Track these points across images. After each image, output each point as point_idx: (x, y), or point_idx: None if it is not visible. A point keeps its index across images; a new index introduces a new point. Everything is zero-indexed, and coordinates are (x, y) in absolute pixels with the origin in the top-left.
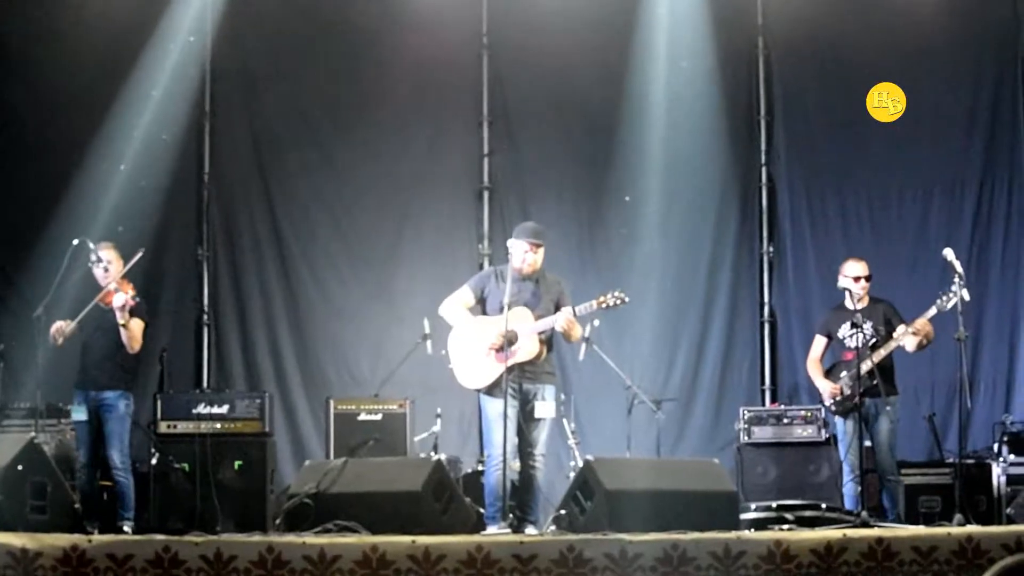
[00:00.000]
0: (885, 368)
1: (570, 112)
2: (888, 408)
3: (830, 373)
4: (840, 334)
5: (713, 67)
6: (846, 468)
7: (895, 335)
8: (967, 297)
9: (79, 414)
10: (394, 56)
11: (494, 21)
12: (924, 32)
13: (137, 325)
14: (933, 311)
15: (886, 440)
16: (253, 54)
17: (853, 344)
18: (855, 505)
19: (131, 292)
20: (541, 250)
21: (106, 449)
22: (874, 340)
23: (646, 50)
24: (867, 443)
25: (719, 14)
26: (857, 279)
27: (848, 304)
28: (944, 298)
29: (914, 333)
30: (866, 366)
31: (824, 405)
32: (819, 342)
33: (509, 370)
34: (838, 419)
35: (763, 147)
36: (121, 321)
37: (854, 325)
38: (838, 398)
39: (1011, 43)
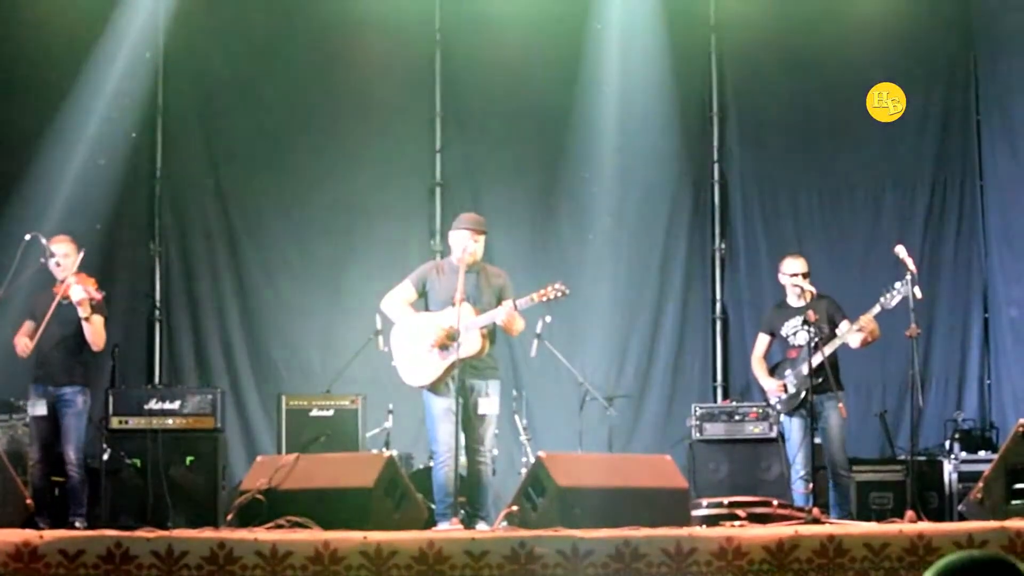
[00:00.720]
0: (831, 364)
1: (523, 108)
2: (837, 403)
3: (774, 371)
4: (783, 332)
5: (666, 65)
6: (795, 467)
7: (839, 332)
8: (919, 294)
9: (38, 408)
10: (347, 52)
11: (447, 17)
12: (875, 31)
13: (99, 321)
14: (877, 308)
15: (837, 435)
16: (205, 50)
17: (797, 342)
18: (805, 503)
19: (93, 287)
20: (482, 239)
21: (62, 445)
22: (817, 338)
23: (599, 46)
24: (817, 440)
25: (672, 12)
26: (795, 275)
27: (791, 301)
28: (888, 295)
29: (859, 330)
30: (808, 366)
31: (770, 404)
32: (762, 340)
33: (452, 366)
34: (784, 418)
35: (715, 144)
36: (83, 315)
37: (805, 322)
38: (783, 396)
39: (964, 43)
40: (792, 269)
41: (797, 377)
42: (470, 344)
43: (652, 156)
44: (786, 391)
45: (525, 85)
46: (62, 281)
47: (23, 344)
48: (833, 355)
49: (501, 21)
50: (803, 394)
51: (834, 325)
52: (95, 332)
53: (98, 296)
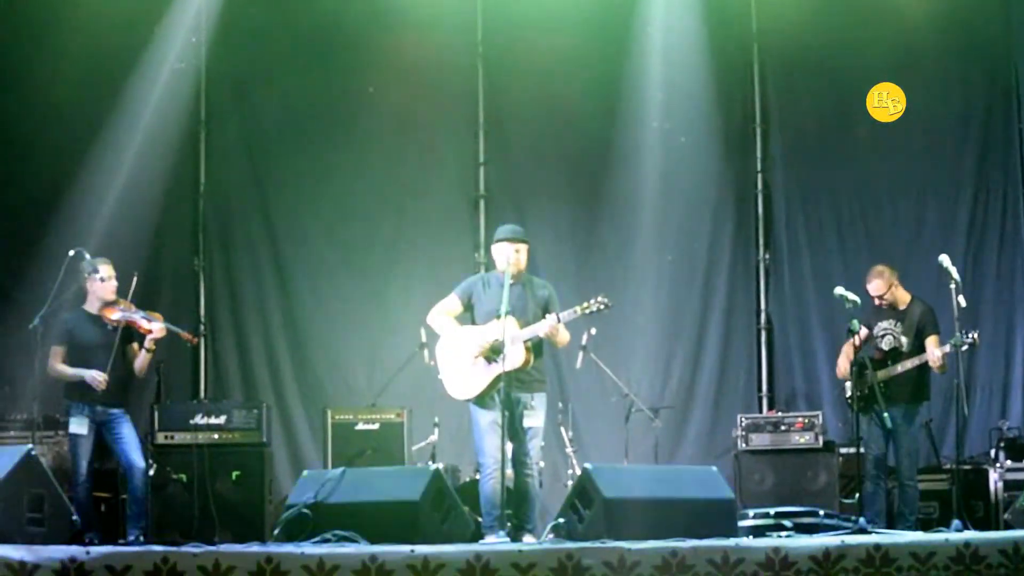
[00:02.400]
0: (909, 374)
1: (565, 120)
2: (907, 413)
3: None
4: (875, 331)
5: (708, 74)
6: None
7: (928, 345)
8: (963, 303)
9: (79, 427)
10: (389, 65)
11: (489, 29)
12: (917, 40)
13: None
14: (948, 348)
15: (903, 445)
16: (248, 64)
17: (882, 346)
18: (871, 505)
19: (160, 322)
20: (524, 248)
21: (127, 456)
22: (896, 347)
23: (641, 57)
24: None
25: (714, 22)
26: (875, 299)
27: (884, 304)
28: (963, 340)
29: (932, 362)
30: (887, 373)
31: (844, 397)
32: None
33: (497, 379)
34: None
35: (759, 155)
36: (150, 348)
37: (884, 330)
38: (856, 392)
39: (1003, 51)
40: (872, 291)
41: (872, 379)
42: (514, 357)
43: (695, 167)
44: (855, 389)
45: (567, 96)
46: (108, 305)
47: (102, 378)
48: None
49: (542, 32)
50: (865, 396)
51: (922, 336)
52: (149, 363)
53: (192, 338)
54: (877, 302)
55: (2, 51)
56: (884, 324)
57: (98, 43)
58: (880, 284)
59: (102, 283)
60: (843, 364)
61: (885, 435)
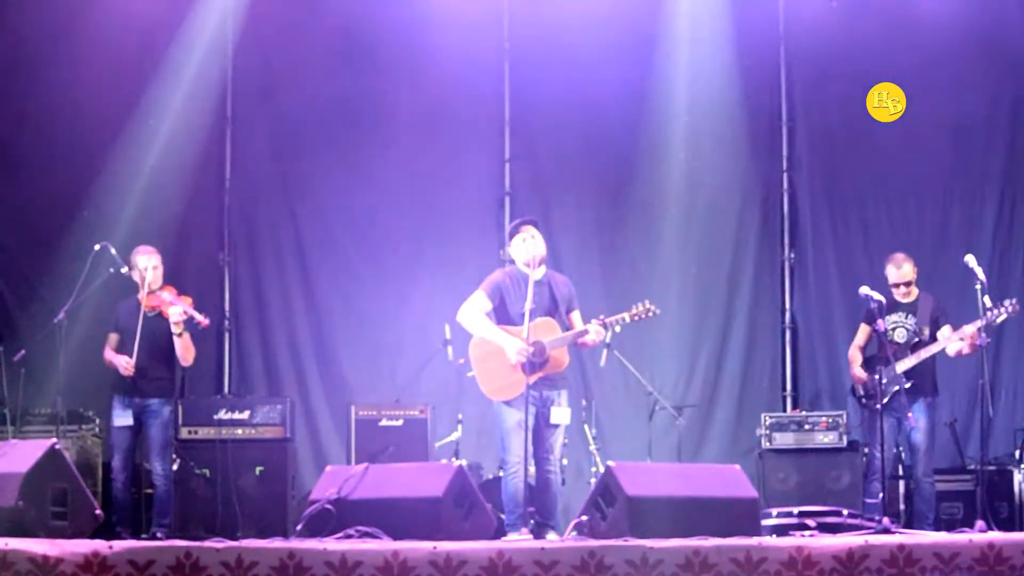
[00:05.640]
0: (927, 367)
1: (591, 117)
2: (927, 408)
3: (868, 364)
4: (886, 326)
5: (734, 74)
6: (874, 470)
7: (940, 336)
8: (989, 304)
9: (123, 419)
10: (415, 63)
11: (516, 27)
12: (943, 40)
13: (188, 336)
14: (981, 322)
15: (924, 440)
16: (274, 61)
17: (896, 339)
18: (879, 507)
19: (190, 306)
20: (537, 234)
21: (147, 455)
22: (916, 339)
23: (668, 57)
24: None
25: (741, 21)
26: (896, 286)
27: (896, 296)
28: (996, 311)
29: (960, 339)
30: (905, 365)
31: (856, 396)
32: (863, 331)
33: (536, 382)
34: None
35: (785, 154)
36: (176, 332)
37: (895, 324)
38: (870, 391)
39: None
40: (894, 279)
41: (889, 375)
42: (556, 362)
43: (721, 165)
44: (874, 387)
45: (594, 94)
46: (151, 293)
47: (124, 363)
48: (931, 358)
49: (569, 30)
50: (889, 393)
51: (936, 327)
52: (186, 348)
53: (203, 320)
54: (904, 289)
55: (28, 50)
56: (894, 318)
57: (124, 41)
58: (910, 269)
59: (141, 272)
60: (856, 357)
61: (897, 434)
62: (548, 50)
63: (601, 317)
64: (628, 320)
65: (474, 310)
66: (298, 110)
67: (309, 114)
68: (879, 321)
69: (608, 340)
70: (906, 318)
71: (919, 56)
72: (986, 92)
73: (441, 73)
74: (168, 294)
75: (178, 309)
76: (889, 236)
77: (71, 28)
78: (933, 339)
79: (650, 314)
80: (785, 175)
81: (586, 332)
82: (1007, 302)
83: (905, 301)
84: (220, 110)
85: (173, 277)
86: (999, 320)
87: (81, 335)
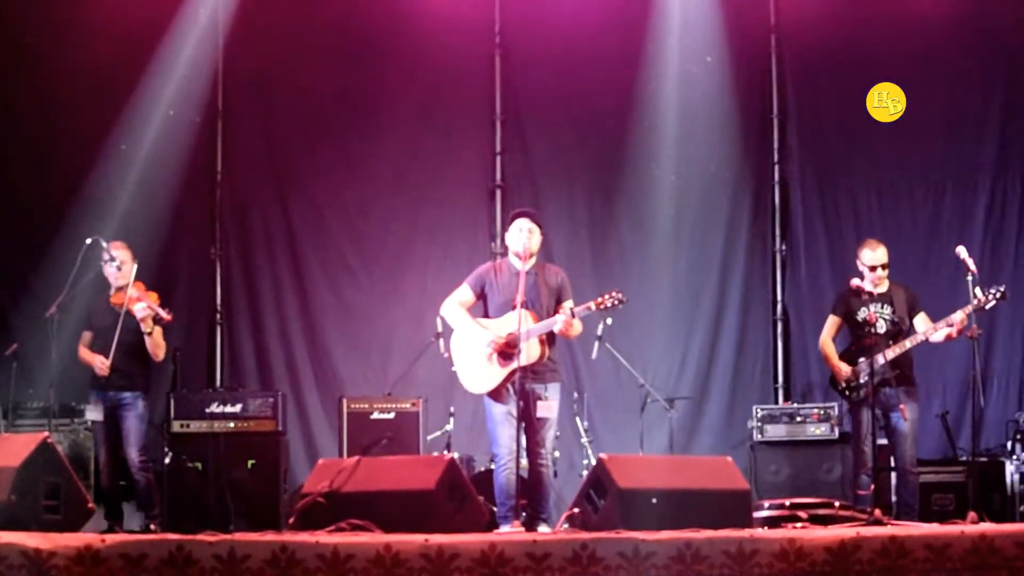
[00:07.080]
0: (907, 357)
1: (582, 110)
2: (909, 398)
3: (846, 356)
4: (859, 317)
5: (726, 66)
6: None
7: (917, 325)
8: (980, 295)
9: (95, 414)
10: (407, 56)
11: (507, 21)
12: (935, 30)
13: (159, 333)
14: (971, 308)
15: (910, 431)
16: (266, 54)
17: (876, 330)
18: (868, 502)
19: (155, 303)
20: (535, 229)
21: (124, 447)
22: (897, 329)
23: (658, 48)
24: (882, 440)
25: (732, 13)
26: (873, 268)
27: (868, 286)
28: (988, 295)
29: (948, 325)
30: (885, 356)
31: (837, 390)
32: (832, 322)
33: (513, 373)
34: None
35: (776, 145)
36: (146, 330)
37: (869, 315)
38: (853, 383)
39: (1022, 41)
40: (870, 261)
41: (870, 367)
42: (530, 352)
43: (712, 157)
44: (857, 379)
45: (584, 86)
46: (119, 290)
47: (100, 363)
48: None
49: (560, 23)
50: (874, 385)
51: (913, 314)
52: (155, 344)
53: (166, 316)
54: (881, 273)
55: (21, 43)
56: (871, 308)
57: (116, 34)
58: (884, 252)
59: (111, 268)
60: (831, 350)
61: (882, 425)
62: (539, 43)
63: (570, 307)
64: (594, 309)
65: (452, 303)
66: (290, 103)
67: (301, 107)
68: (870, 313)
69: (599, 333)
70: (883, 308)
71: (911, 48)
72: (978, 83)
73: (433, 66)
74: (135, 290)
75: (142, 305)
76: (880, 227)
77: (63, 23)
78: (912, 328)
79: (617, 303)
80: (776, 167)
81: (554, 322)
82: (994, 288)
83: (878, 291)
84: (212, 103)
85: (164, 271)
86: (987, 307)
87: (73, 329)
